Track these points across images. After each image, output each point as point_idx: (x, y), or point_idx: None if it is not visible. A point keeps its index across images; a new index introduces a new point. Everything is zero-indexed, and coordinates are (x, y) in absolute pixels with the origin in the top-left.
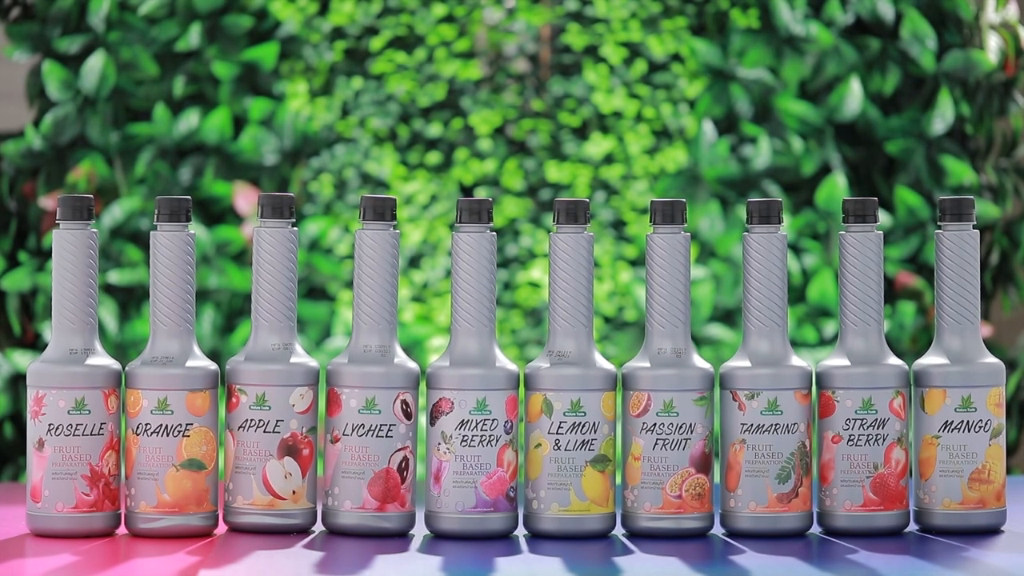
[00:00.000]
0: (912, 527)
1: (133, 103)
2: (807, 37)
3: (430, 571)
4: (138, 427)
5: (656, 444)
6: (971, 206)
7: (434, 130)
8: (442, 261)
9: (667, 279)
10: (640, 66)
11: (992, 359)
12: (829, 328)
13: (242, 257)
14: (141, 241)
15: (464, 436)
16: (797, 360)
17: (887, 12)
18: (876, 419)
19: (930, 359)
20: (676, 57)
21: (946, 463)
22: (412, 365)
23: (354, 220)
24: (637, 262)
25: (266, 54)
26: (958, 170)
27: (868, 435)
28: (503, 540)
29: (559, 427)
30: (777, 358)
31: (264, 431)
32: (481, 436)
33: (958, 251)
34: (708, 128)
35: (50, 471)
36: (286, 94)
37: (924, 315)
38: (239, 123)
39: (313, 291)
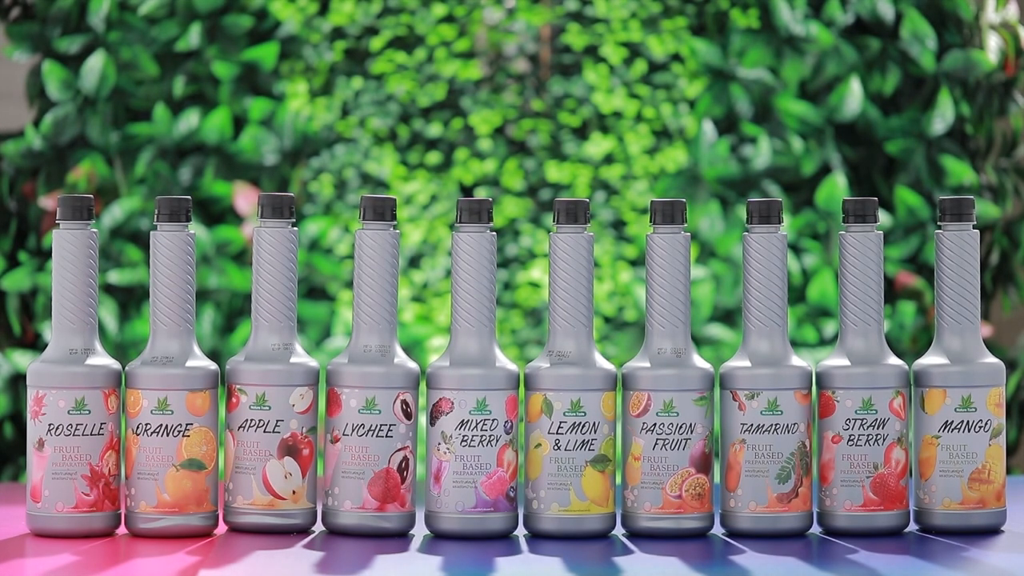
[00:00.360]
0: (912, 527)
1: (133, 103)
2: (807, 37)
3: (430, 571)
4: (138, 427)
5: (656, 444)
6: (971, 206)
7: (434, 130)
8: (442, 261)
9: (667, 279)
10: (640, 66)
11: (992, 359)
12: (829, 328)
13: (242, 257)
14: (141, 241)
15: (464, 436)
16: (797, 360)
17: (887, 12)
18: (876, 419)
19: (930, 359)
20: (676, 57)
21: (946, 463)
22: (412, 365)
23: (354, 220)
24: (637, 262)
25: (266, 54)
26: (958, 170)
27: (868, 435)
28: (503, 540)
29: (559, 427)
30: (777, 358)
31: (264, 431)
32: (481, 436)
33: (958, 251)
34: (708, 128)
35: (50, 471)
36: (286, 94)
37: (924, 315)
38: (239, 123)
39: (313, 291)
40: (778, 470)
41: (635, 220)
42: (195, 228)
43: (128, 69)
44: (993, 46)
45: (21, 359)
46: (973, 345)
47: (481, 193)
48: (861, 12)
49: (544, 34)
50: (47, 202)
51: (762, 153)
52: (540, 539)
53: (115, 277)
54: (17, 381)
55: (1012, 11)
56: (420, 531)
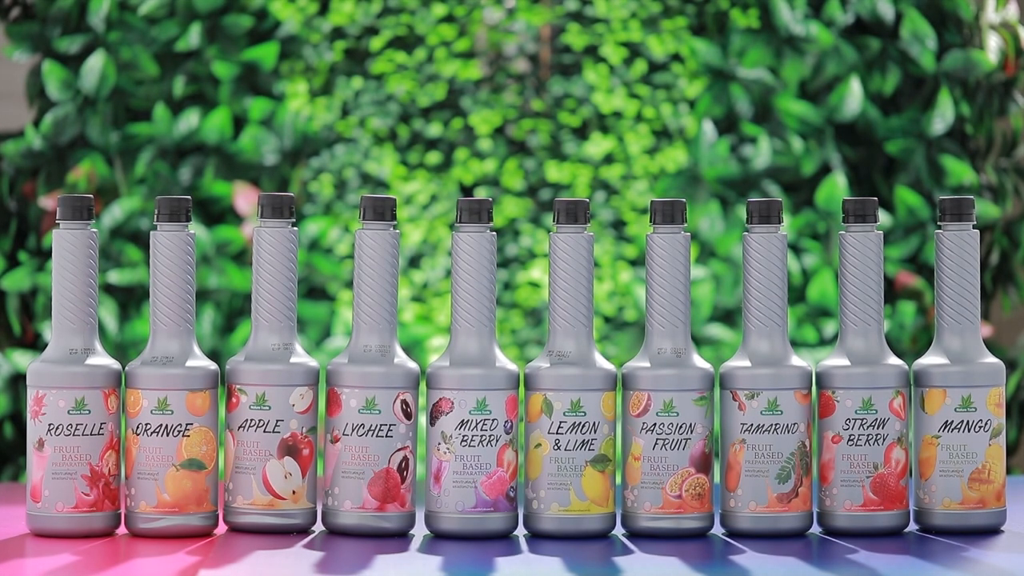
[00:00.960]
0: (912, 527)
1: (133, 103)
2: (807, 37)
3: (430, 571)
4: (138, 427)
5: (656, 444)
6: (971, 206)
7: (434, 130)
8: (442, 261)
9: (667, 279)
10: (640, 66)
11: (992, 359)
12: (829, 328)
13: (242, 257)
14: (141, 241)
15: (464, 436)
16: (797, 360)
17: (887, 12)
18: (876, 419)
19: (930, 359)
20: (676, 57)
21: (946, 463)
22: (412, 365)
23: (354, 220)
24: (637, 262)
25: (266, 54)
26: (958, 170)
27: (868, 435)
28: (503, 540)
29: (559, 427)
30: (777, 358)
31: (264, 431)
32: (481, 436)
33: (958, 251)
34: (708, 128)
35: (50, 471)
36: (286, 94)
37: (924, 315)
38: (239, 123)
39: (313, 291)
40: (778, 470)
41: (635, 220)
42: (195, 228)
43: (128, 69)
44: (993, 46)
45: (21, 359)
46: (973, 345)
47: (481, 193)
48: (861, 12)
49: (544, 34)
50: (47, 202)
51: (762, 153)
52: (540, 539)
53: (115, 277)
54: (17, 381)
55: (1012, 11)
56: (420, 531)
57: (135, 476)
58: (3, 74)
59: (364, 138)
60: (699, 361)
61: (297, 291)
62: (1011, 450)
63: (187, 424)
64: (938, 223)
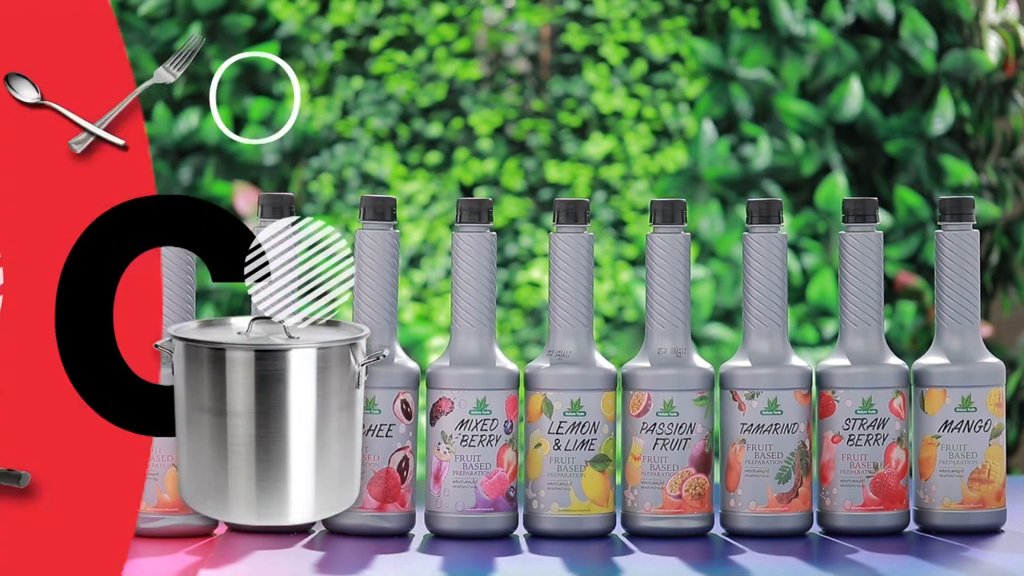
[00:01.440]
0: (912, 527)
1: None
2: (807, 37)
3: (430, 571)
4: None
5: (656, 444)
6: (971, 206)
7: (434, 130)
8: (442, 261)
9: (667, 279)
10: (640, 66)
11: (992, 359)
12: (829, 328)
13: None
14: None
15: (464, 436)
16: (797, 360)
17: (887, 12)
18: (876, 419)
19: (930, 359)
20: (676, 57)
21: (946, 463)
22: (412, 365)
23: (354, 220)
24: (637, 262)
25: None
26: (958, 170)
27: (868, 435)
28: (503, 540)
29: (559, 427)
30: (777, 358)
31: None
32: (481, 436)
33: (958, 251)
34: (708, 128)
35: None
36: (286, 94)
37: (924, 315)
38: (239, 123)
39: None
40: (778, 470)
41: (635, 220)
42: None
43: None
44: (993, 46)
45: None
46: (973, 345)
47: (481, 193)
48: (861, 12)
49: (544, 34)
50: None
51: (762, 153)
52: (540, 539)
53: None
54: None
55: (1012, 11)
56: (420, 531)
57: None
58: None
59: (364, 138)
60: (699, 361)
61: None
62: (1011, 450)
63: None
64: (938, 223)
